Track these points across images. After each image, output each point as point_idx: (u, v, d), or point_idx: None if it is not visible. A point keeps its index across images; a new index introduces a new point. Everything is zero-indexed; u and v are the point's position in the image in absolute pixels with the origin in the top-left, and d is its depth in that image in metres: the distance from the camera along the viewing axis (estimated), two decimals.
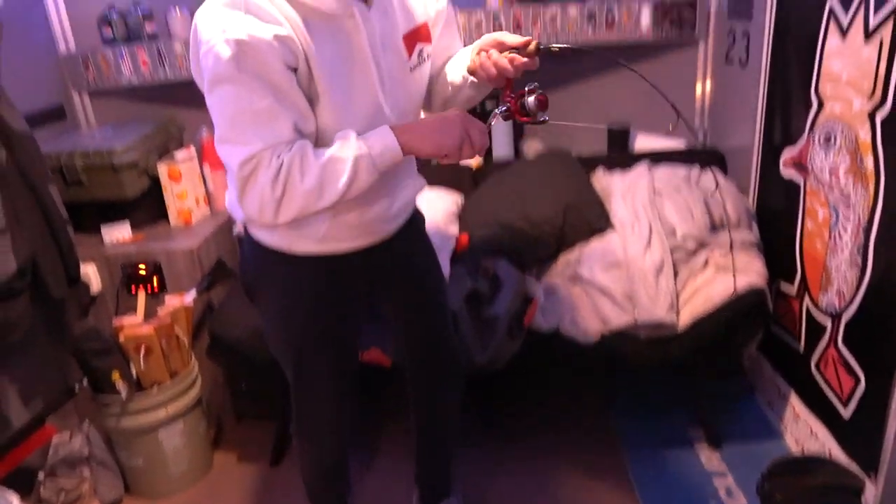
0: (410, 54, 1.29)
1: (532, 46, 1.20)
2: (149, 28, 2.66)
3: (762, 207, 2.25)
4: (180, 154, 2.36)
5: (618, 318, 1.92)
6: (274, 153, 1.13)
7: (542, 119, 1.26)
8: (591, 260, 2.10)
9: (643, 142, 2.73)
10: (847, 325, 1.76)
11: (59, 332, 1.92)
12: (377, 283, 1.49)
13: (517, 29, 2.53)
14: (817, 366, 1.92)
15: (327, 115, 1.19)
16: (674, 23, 2.51)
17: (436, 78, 1.42)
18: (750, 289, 1.91)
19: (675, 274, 2.00)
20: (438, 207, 2.29)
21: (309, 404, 1.56)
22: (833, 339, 1.82)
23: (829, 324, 1.84)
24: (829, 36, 1.76)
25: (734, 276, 1.93)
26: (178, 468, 2.11)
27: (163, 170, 2.30)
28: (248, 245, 1.43)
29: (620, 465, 2.07)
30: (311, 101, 1.17)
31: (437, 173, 2.53)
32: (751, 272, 1.96)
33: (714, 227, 2.12)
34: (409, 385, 1.73)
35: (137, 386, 2.00)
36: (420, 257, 1.59)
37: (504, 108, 1.26)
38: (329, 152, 1.16)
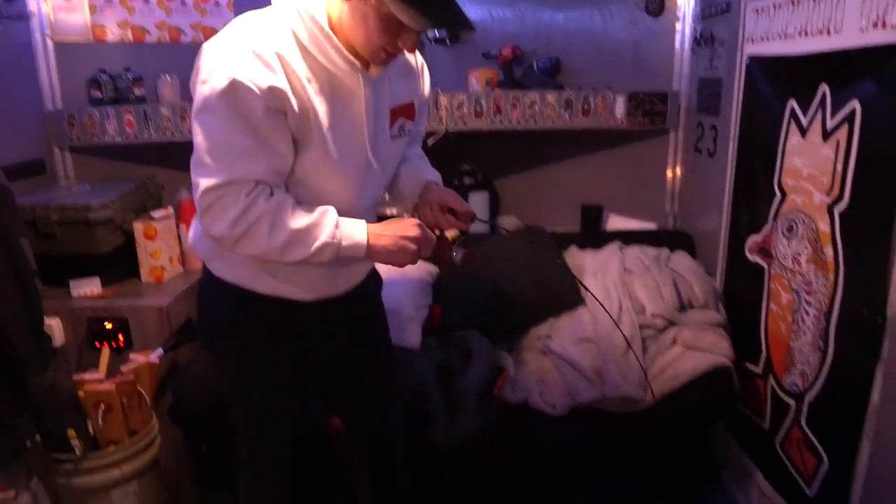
0: (392, 125, 1.38)
1: (468, 218, 1.41)
2: (137, 91, 2.73)
3: (729, 289, 2.31)
4: (157, 213, 2.37)
5: (587, 392, 1.93)
6: (242, 190, 1.19)
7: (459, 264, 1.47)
8: (562, 334, 2.13)
9: (615, 222, 2.83)
10: (810, 406, 1.79)
11: (16, 387, 1.86)
12: (328, 339, 1.51)
13: (497, 113, 2.65)
14: (782, 445, 1.93)
15: (316, 161, 1.25)
16: (647, 113, 2.65)
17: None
18: (716, 367, 1.95)
19: (644, 350, 2.03)
20: (413, 277, 2.31)
21: (256, 440, 1.56)
22: (797, 419, 1.85)
23: (792, 404, 1.87)
24: (790, 135, 1.87)
25: (701, 354, 1.97)
26: None
27: (138, 228, 2.30)
28: (208, 282, 1.45)
29: None
30: (303, 145, 1.24)
31: None
32: (717, 352, 2.01)
33: (682, 307, 2.17)
34: (351, 455, 1.72)
35: (93, 444, 1.93)
36: (371, 321, 1.62)
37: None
38: (305, 222, 1.23)
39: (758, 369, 2.08)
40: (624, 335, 1.99)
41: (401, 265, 1.33)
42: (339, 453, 1.80)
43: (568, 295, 2.24)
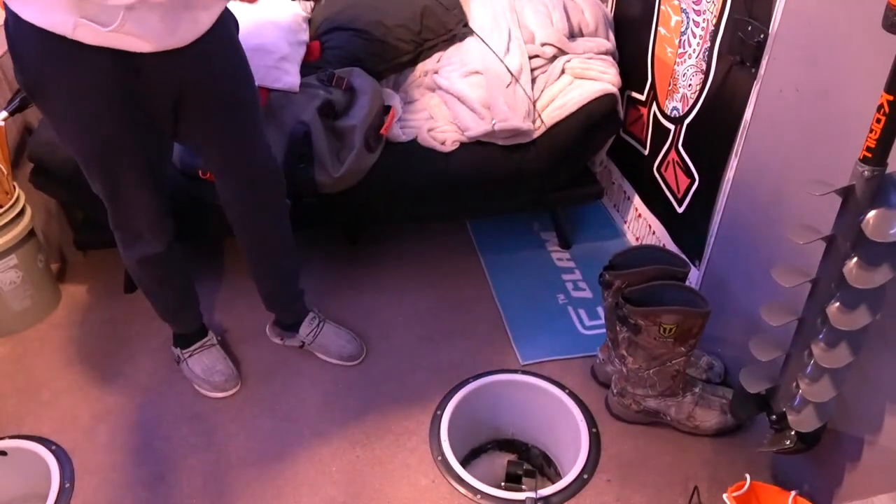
0: None
1: None
2: None
3: (619, 15, 2.23)
4: None
5: (476, 127, 1.91)
6: None
7: None
8: (449, 68, 2.03)
9: None
10: (688, 129, 1.86)
11: None
12: (179, 94, 1.35)
13: None
14: (658, 168, 2.04)
15: None
16: None
17: None
18: (603, 95, 1.94)
19: (533, 81, 1.98)
20: (285, 12, 2.07)
21: (121, 210, 1.47)
22: (675, 142, 1.93)
23: (672, 128, 1.94)
24: None
25: (588, 83, 1.95)
26: (20, 304, 1.96)
27: None
28: (14, 28, 1.20)
29: (478, 269, 2.18)
30: None
31: None
32: (604, 79, 1.99)
33: (572, 35, 2.09)
34: (225, 207, 1.63)
35: None
36: (228, 68, 1.44)
37: None
38: None
39: (642, 97, 2.10)
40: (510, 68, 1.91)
41: None
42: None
43: (454, 23, 2.09)
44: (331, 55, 2.04)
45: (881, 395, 1.22)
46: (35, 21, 1.15)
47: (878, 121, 0.98)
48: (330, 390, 1.79)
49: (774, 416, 1.34)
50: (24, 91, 1.30)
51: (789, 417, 1.28)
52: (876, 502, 0.95)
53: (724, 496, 1.34)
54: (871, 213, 1.04)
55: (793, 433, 1.30)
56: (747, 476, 1.37)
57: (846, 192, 1.07)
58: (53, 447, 1.63)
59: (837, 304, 1.13)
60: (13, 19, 1.18)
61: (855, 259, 1.08)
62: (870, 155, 1.01)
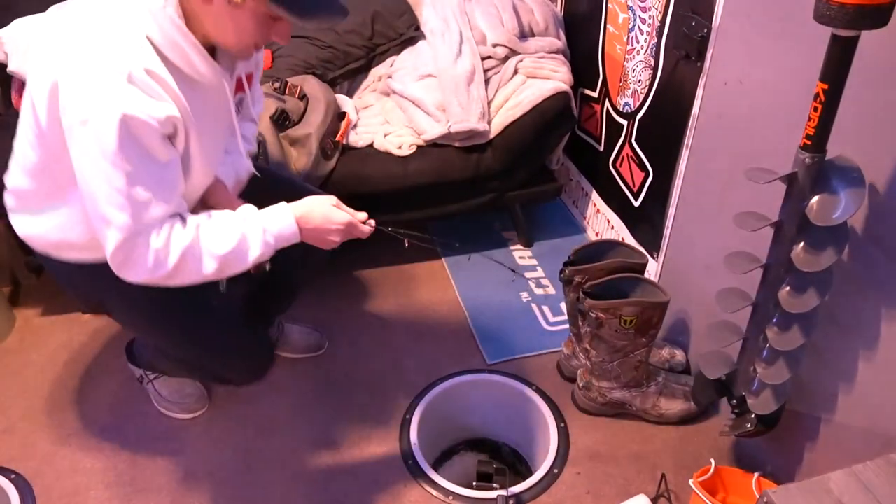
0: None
1: None
2: None
3: (569, 14, 2.27)
4: None
5: (431, 130, 1.91)
6: (150, 233, 1.09)
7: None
8: (403, 72, 2.03)
9: None
10: (640, 124, 1.89)
11: None
12: None
13: None
14: (614, 164, 2.08)
15: (198, 167, 1.19)
16: None
17: None
18: (556, 93, 1.97)
19: (487, 82, 2.00)
20: None
21: (210, 349, 1.50)
22: (628, 137, 1.96)
23: (625, 124, 1.97)
24: None
25: (541, 82, 1.97)
26: None
27: None
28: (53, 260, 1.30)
29: (441, 271, 2.18)
30: (185, 159, 1.15)
31: None
32: (556, 78, 2.01)
33: (523, 35, 2.11)
34: None
35: None
36: None
37: None
38: (231, 244, 1.15)
39: (595, 94, 2.13)
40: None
41: (327, 244, 1.29)
42: None
43: (406, 27, 2.10)
44: (282, 63, 2.03)
45: (833, 375, 1.26)
46: (87, 258, 1.26)
47: (815, 109, 1.01)
48: (298, 401, 1.77)
49: (735, 401, 1.38)
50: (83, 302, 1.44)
51: (748, 401, 1.31)
52: (832, 478, 0.97)
53: (691, 482, 1.36)
54: (814, 199, 1.08)
55: (753, 416, 1.34)
56: (712, 461, 1.40)
57: (790, 179, 1.10)
58: (12, 476, 1.58)
59: (788, 288, 1.16)
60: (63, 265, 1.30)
61: (801, 244, 1.12)
62: (809, 142, 1.04)
